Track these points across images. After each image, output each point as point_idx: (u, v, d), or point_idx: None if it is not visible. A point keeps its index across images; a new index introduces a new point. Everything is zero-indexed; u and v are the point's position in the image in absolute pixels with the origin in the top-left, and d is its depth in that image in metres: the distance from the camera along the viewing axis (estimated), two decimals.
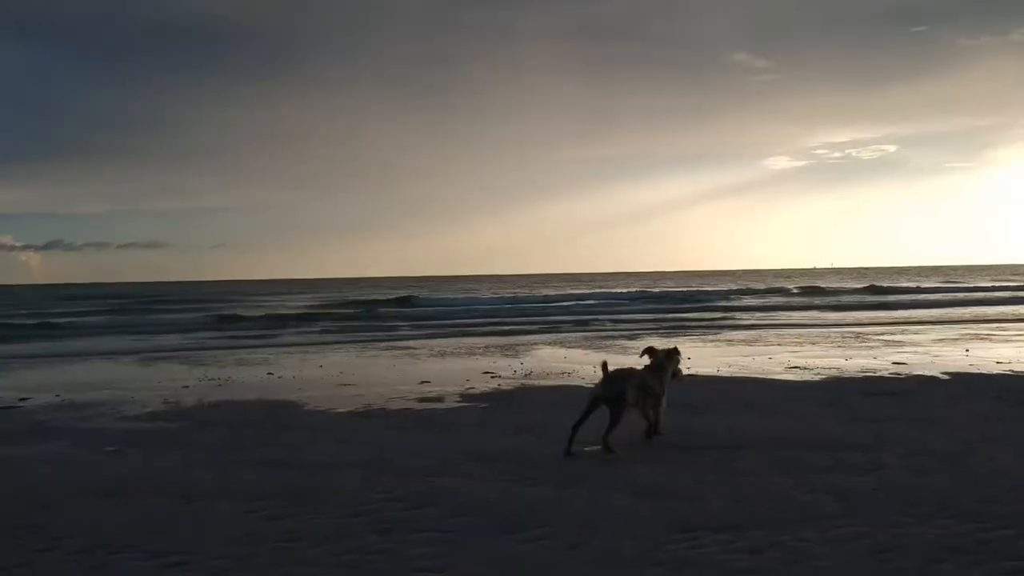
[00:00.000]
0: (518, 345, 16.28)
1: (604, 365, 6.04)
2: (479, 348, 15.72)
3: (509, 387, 9.73)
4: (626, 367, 6.16)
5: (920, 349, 12.91)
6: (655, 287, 56.98)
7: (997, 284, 45.22)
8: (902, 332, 16.84)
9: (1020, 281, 48.68)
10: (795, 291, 42.24)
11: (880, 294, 37.38)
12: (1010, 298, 31.35)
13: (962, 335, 15.70)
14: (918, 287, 43.48)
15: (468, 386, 9.84)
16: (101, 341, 20.26)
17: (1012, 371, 9.85)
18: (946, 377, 9.39)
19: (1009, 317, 20.96)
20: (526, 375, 10.96)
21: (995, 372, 9.79)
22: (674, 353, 6.33)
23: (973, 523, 3.95)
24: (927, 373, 9.80)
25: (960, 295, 34.80)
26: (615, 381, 5.90)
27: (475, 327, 23.07)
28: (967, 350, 12.62)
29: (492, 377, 10.77)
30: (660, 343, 7.39)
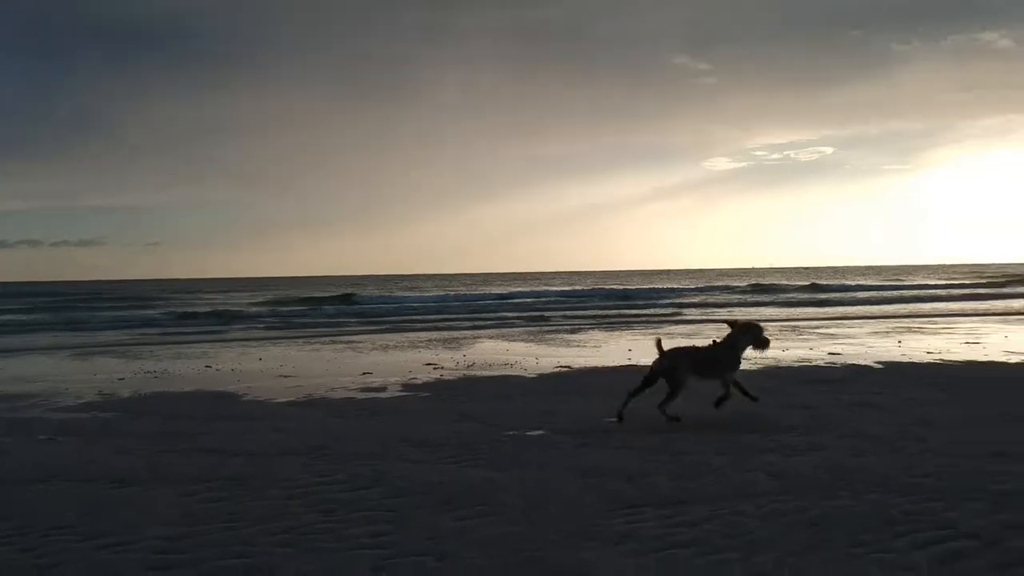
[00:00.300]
0: (462, 339, 16.30)
1: (658, 342, 6.43)
2: (422, 342, 15.69)
3: (452, 377, 9.73)
4: (685, 345, 6.61)
5: (855, 341, 13.22)
6: (599, 284, 57.31)
7: (930, 282, 46.52)
8: (838, 326, 17.23)
9: (953, 279, 50.13)
10: (740, 288, 42.95)
11: (821, 291, 38.20)
12: (944, 295, 32.27)
13: (895, 328, 16.13)
14: (857, 284, 44.48)
15: (410, 377, 9.80)
16: (35, 337, 19.72)
17: (942, 360, 10.13)
18: (879, 366, 9.62)
19: (941, 312, 21.58)
20: (469, 366, 10.97)
21: (925, 361, 10.07)
22: (749, 328, 6.48)
23: (904, 497, 4.05)
24: (861, 363, 10.02)
25: (895, 292, 35.71)
26: (668, 357, 6.34)
27: (418, 323, 23.02)
28: (899, 342, 12.97)
29: (435, 368, 10.75)
30: (605, 337, 7.45)
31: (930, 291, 36.01)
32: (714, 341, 6.50)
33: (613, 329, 18.35)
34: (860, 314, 21.70)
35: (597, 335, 16.33)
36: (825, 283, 45.49)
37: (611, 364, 10.70)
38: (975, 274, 59.24)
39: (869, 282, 48.51)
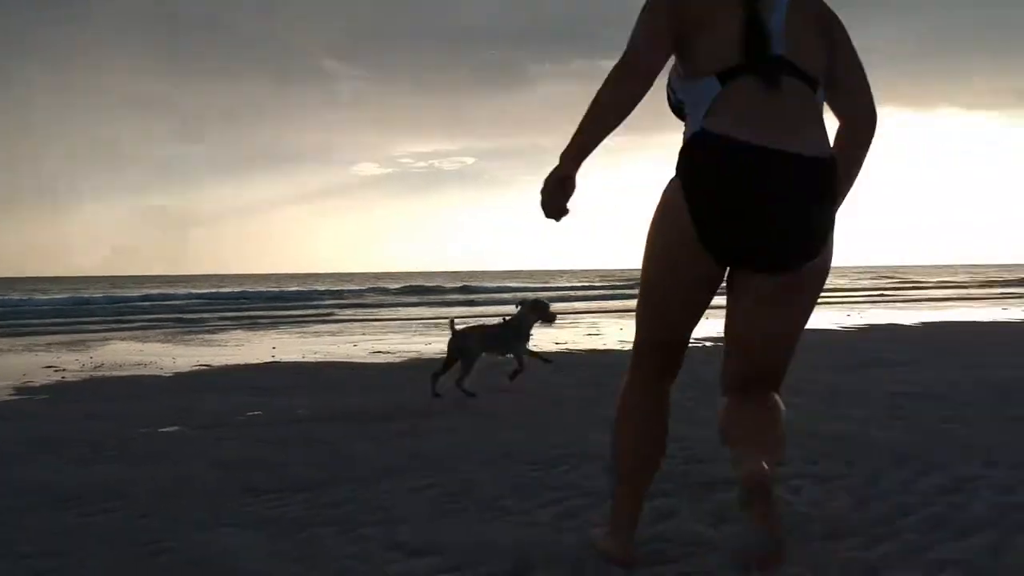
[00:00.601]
0: (91, 341, 14.96)
1: (451, 323, 7.06)
2: (40, 345, 14.12)
3: (77, 379, 8.86)
4: (475, 325, 7.45)
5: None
6: (248, 287, 55.38)
7: (570, 284, 51.44)
8: (483, 320, 18.10)
9: (594, 281, 55.57)
10: (394, 290, 43.78)
11: (471, 292, 40.21)
12: (579, 296, 35.47)
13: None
14: (505, 286, 47.36)
15: (25, 380, 8.78)
16: None
17: (567, 350, 11.02)
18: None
19: (579, 311, 23.46)
20: (97, 367, 10.10)
21: (551, 350, 10.87)
22: (536, 305, 7.07)
23: (536, 466, 4.29)
24: None
25: (531, 293, 38.45)
26: (460, 337, 6.88)
27: (37, 325, 20.68)
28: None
29: (56, 371, 9.70)
30: (248, 336, 7.22)
31: (572, 292, 39.49)
32: (504, 319, 7.02)
33: (258, 329, 17.84)
34: (502, 311, 22.96)
35: (240, 334, 15.77)
36: (476, 284, 47.94)
37: (253, 362, 10.38)
38: (610, 277, 65.70)
39: (516, 284, 51.85)
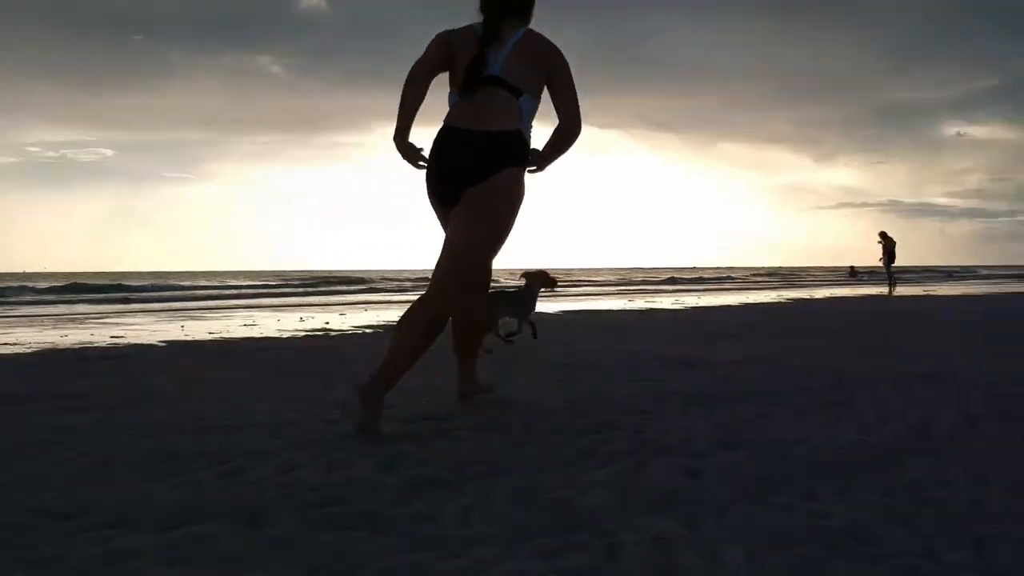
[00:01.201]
0: None
1: None
2: None
3: None
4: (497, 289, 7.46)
5: (140, 328, 13.06)
6: None
7: (215, 284, 48.93)
8: (125, 316, 16.84)
9: (264, 281, 53.42)
10: (39, 289, 39.24)
11: (131, 291, 37.17)
12: (231, 295, 34.03)
13: (179, 317, 16.44)
14: (165, 284, 44.45)
15: None
16: None
17: (222, 338, 10.59)
18: (163, 344, 9.65)
19: (222, 306, 22.51)
20: None
21: (207, 339, 10.39)
22: (541, 275, 7.60)
23: (191, 435, 4.04)
24: (145, 342, 9.97)
25: (180, 292, 36.38)
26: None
27: None
28: (183, 326, 13.23)
29: None
30: None
31: (217, 291, 37.76)
32: (518, 288, 7.60)
33: None
34: (162, 308, 21.46)
35: None
36: (136, 284, 44.48)
37: None
38: (279, 277, 63.73)
39: (178, 283, 48.73)
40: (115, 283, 44.69)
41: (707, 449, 3.63)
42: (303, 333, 11.36)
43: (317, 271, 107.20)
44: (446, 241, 4.09)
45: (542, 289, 7.78)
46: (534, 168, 4.20)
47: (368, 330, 11.77)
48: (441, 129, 4.10)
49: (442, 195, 4.10)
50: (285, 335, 11.09)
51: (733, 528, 2.58)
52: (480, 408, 4.70)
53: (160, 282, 49.16)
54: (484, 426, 4.16)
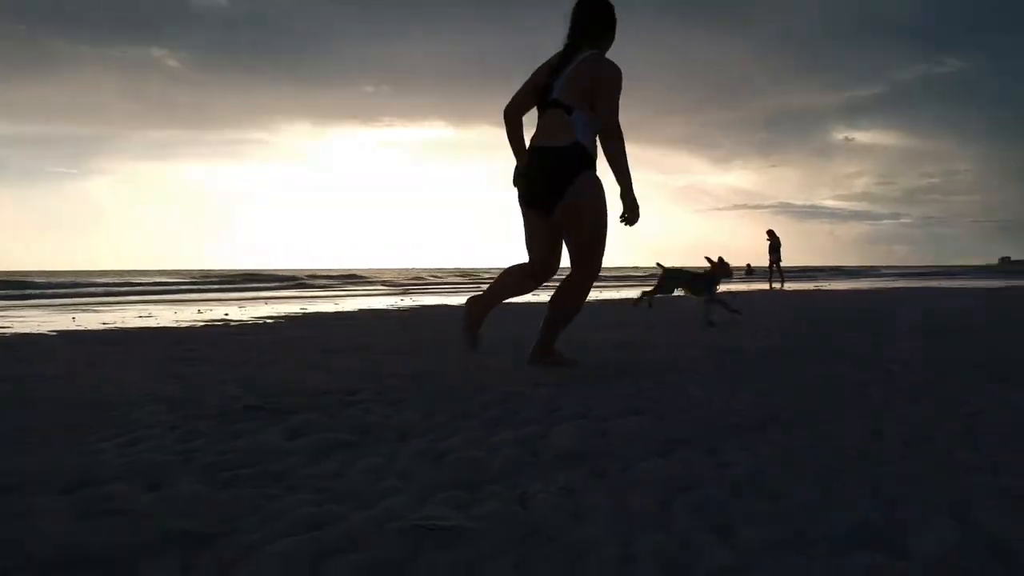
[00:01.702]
0: None
1: (659, 264, 9.05)
2: None
3: None
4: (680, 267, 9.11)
5: (29, 320, 12.59)
6: None
7: (111, 281, 47.11)
8: (11, 311, 16.16)
9: (179, 278, 51.53)
10: None
11: (29, 288, 35.46)
12: (138, 290, 32.86)
13: (70, 310, 15.90)
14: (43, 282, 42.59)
15: None
16: None
17: (117, 327, 10.26)
18: (55, 333, 9.31)
19: (119, 301, 21.72)
20: None
21: (100, 329, 10.06)
22: (723, 266, 8.53)
23: (86, 410, 3.91)
24: (35, 332, 9.62)
25: (74, 290, 34.98)
26: (670, 273, 9.00)
27: None
28: (74, 318, 12.81)
29: None
30: None
31: (101, 288, 36.37)
32: (703, 271, 8.53)
33: None
34: (50, 304, 20.56)
35: None
36: (36, 281, 42.50)
37: None
38: (188, 276, 61.67)
39: (68, 280, 46.70)
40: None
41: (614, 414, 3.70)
42: (202, 323, 11.10)
43: (233, 270, 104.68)
44: (568, 247, 4.99)
45: (722, 279, 8.65)
46: (626, 216, 4.80)
47: (269, 320, 11.59)
48: (528, 148, 4.96)
49: (532, 201, 4.97)
50: (183, 325, 10.81)
51: (640, 479, 2.64)
52: (389, 381, 4.68)
53: (43, 280, 47.20)
54: (392, 399, 4.15)
